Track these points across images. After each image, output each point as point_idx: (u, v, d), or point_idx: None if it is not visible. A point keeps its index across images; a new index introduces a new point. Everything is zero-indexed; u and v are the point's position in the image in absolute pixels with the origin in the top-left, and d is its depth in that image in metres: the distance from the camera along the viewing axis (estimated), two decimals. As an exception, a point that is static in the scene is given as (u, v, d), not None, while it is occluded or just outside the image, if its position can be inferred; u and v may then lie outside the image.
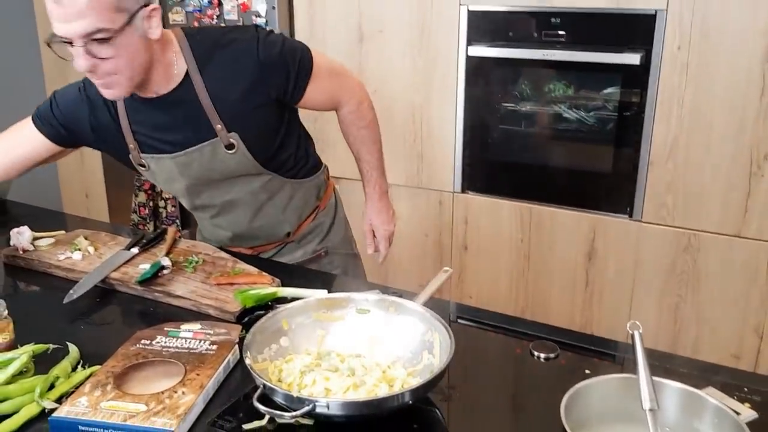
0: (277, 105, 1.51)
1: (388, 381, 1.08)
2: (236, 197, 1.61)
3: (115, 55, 1.29)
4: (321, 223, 1.76)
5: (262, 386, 0.99)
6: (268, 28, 1.54)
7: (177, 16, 2.80)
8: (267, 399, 0.99)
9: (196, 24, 2.76)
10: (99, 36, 1.25)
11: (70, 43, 1.26)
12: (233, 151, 1.49)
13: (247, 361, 1.04)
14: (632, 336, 1.02)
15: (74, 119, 1.56)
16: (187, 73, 1.44)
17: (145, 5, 1.31)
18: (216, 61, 1.44)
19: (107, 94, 1.38)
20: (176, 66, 1.43)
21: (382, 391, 1.04)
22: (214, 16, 2.71)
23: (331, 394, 1.04)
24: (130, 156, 1.55)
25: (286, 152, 1.61)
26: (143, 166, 1.56)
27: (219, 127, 1.45)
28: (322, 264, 1.75)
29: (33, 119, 1.60)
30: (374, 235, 1.79)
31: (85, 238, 1.69)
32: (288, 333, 1.20)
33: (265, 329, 1.16)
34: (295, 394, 1.00)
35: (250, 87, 1.45)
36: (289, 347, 1.18)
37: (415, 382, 1.06)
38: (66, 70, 3.39)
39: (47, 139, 1.59)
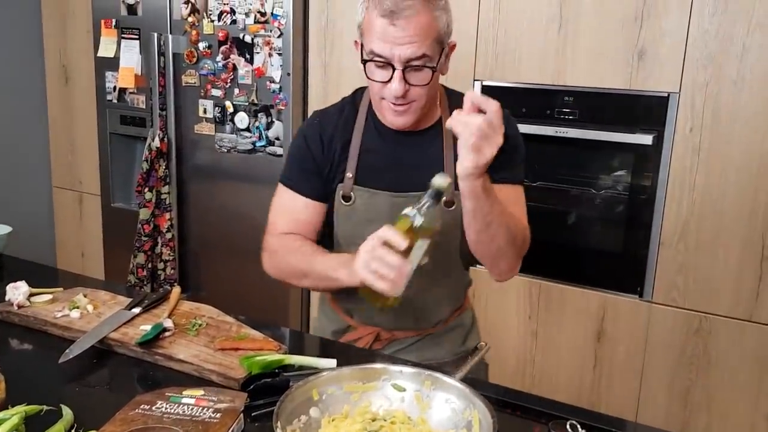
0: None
1: None
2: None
3: (425, 84, 1.31)
4: (464, 323, 1.65)
5: None
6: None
7: (190, 79, 2.80)
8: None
9: (209, 87, 2.77)
10: (420, 63, 1.28)
11: (390, 65, 1.28)
12: (452, 207, 1.44)
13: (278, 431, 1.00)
14: None
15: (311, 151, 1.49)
16: (440, 119, 1.44)
17: (449, 41, 1.35)
18: None
19: (398, 121, 1.38)
20: (437, 107, 1.45)
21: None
22: (228, 80, 2.72)
23: None
24: (340, 185, 1.47)
25: None
26: (348, 199, 1.47)
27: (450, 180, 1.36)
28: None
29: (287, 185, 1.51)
30: None
31: (84, 296, 1.63)
32: (318, 404, 1.15)
33: (294, 398, 1.12)
34: None
35: None
36: (320, 418, 1.14)
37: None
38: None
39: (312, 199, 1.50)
